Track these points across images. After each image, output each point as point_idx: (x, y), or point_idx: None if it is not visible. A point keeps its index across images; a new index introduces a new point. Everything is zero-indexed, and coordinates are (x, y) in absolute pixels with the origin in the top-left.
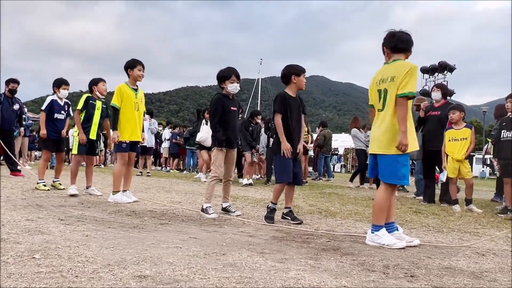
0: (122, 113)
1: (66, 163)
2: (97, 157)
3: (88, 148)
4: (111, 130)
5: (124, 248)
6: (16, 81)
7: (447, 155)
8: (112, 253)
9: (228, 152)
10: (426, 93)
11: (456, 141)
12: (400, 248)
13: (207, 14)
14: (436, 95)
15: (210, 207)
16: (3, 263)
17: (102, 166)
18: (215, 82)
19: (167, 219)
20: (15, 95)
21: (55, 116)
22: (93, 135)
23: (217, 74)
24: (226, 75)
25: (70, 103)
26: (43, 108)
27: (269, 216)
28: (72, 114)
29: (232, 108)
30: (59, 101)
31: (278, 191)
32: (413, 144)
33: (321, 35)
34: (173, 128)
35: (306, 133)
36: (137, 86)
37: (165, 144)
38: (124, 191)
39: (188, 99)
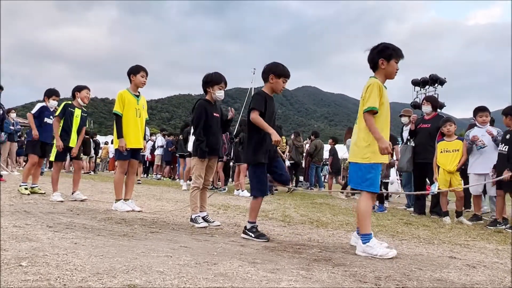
0: (123, 120)
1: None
2: (87, 164)
3: (70, 155)
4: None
5: (113, 257)
6: None
7: (438, 167)
8: (101, 261)
9: (209, 161)
10: (417, 106)
11: (448, 153)
12: (392, 258)
13: (200, 23)
14: (427, 108)
15: (198, 216)
16: None
17: (92, 173)
18: None
19: (157, 227)
20: None
21: (45, 120)
22: (72, 143)
23: (205, 77)
24: (216, 80)
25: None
26: (33, 112)
27: (259, 234)
28: None
29: (214, 114)
30: (48, 107)
31: (256, 208)
32: (382, 156)
33: (314, 47)
34: (168, 135)
35: (284, 144)
36: (139, 92)
37: (158, 152)
38: (125, 200)
39: (180, 107)
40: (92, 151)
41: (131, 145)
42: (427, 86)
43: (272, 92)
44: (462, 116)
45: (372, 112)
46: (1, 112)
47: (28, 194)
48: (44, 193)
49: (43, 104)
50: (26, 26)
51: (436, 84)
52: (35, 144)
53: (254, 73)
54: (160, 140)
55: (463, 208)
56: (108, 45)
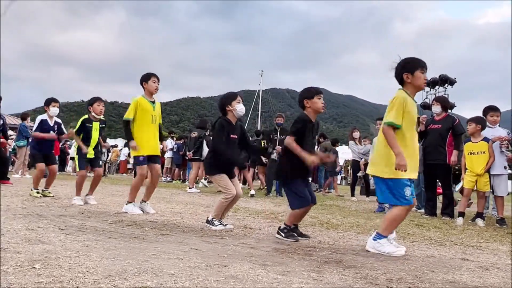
0: (139, 127)
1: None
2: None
3: (90, 163)
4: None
5: (125, 259)
6: None
7: (466, 168)
8: (113, 263)
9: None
10: (427, 106)
11: (474, 155)
12: (399, 256)
13: (207, 24)
14: (436, 108)
15: (215, 219)
16: (3, 273)
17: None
18: (215, 93)
19: (168, 229)
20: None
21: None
22: (90, 155)
23: (220, 100)
24: (231, 96)
25: (60, 122)
26: (33, 129)
27: (291, 234)
28: (64, 131)
29: (232, 136)
30: (48, 120)
31: (298, 216)
32: (412, 172)
33: (321, 48)
34: (177, 139)
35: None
36: (154, 98)
37: (168, 154)
38: (143, 201)
39: (189, 110)
40: (104, 155)
41: (148, 152)
42: (437, 87)
43: (314, 115)
44: (472, 116)
45: (393, 127)
46: (1, 122)
47: (40, 197)
48: (54, 196)
49: (42, 117)
50: (36, 30)
51: (446, 85)
52: (38, 156)
53: (262, 75)
54: (169, 143)
55: (484, 210)
56: (117, 48)
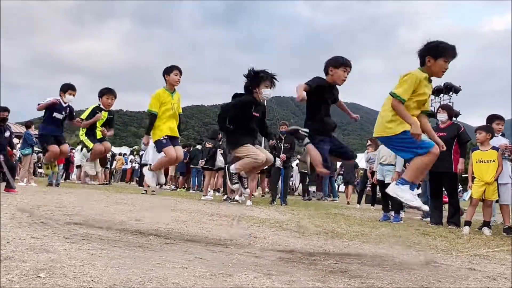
0: (159, 115)
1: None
2: (102, 175)
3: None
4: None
5: (129, 268)
6: (6, 110)
7: (473, 177)
8: (117, 272)
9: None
10: (431, 114)
11: (483, 163)
12: (415, 207)
13: (212, 33)
14: (442, 116)
15: (235, 174)
16: (8, 282)
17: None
18: (220, 101)
19: (172, 238)
20: (7, 123)
21: (53, 115)
22: (99, 136)
23: (248, 79)
24: (262, 78)
25: (73, 108)
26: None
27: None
28: (74, 117)
29: (254, 113)
30: (62, 102)
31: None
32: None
33: (325, 55)
34: (182, 147)
35: None
36: (174, 89)
37: None
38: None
39: (193, 118)
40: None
41: (168, 132)
42: (441, 95)
43: (333, 82)
44: (478, 124)
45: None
46: (9, 133)
47: (48, 169)
48: (56, 166)
49: (56, 98)
50: (43, 40)
51: (451, 93)
52: (48, 138)
53: None
54: None
55: (491, 219)
56: (122, 56)
